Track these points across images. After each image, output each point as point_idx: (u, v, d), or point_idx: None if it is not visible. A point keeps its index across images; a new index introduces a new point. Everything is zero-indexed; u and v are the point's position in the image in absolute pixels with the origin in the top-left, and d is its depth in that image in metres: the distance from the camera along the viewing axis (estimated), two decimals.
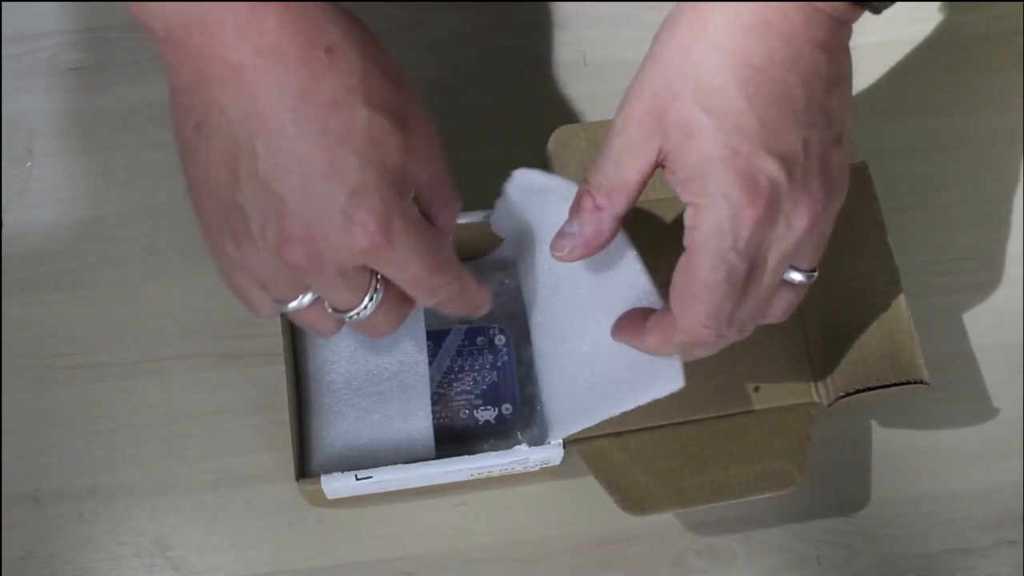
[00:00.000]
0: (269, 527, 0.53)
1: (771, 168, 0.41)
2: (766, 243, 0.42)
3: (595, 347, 0.49)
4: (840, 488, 0.56)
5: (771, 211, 0.41)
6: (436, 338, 0.53)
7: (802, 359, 0.53)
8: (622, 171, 0.43)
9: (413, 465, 0.49)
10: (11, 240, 0.58)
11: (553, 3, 0.66)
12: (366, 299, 0.42)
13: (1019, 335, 0.59)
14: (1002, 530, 0.55)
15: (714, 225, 0.41)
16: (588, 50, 0.65)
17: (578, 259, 0.46)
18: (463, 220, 0.53)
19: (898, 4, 0.69)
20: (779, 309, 0.45)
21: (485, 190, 0.60)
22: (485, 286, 0.46)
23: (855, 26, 0.45)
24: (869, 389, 0.51)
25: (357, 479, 0.49)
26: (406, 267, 0.42)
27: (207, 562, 0.53)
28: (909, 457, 0.57)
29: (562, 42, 0.65)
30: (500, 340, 0.53)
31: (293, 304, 0.43)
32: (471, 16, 0.66)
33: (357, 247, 0.40)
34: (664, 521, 0.54)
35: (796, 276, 0.44)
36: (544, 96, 0.64)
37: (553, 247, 0.46)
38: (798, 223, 0.42)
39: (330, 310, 0.43)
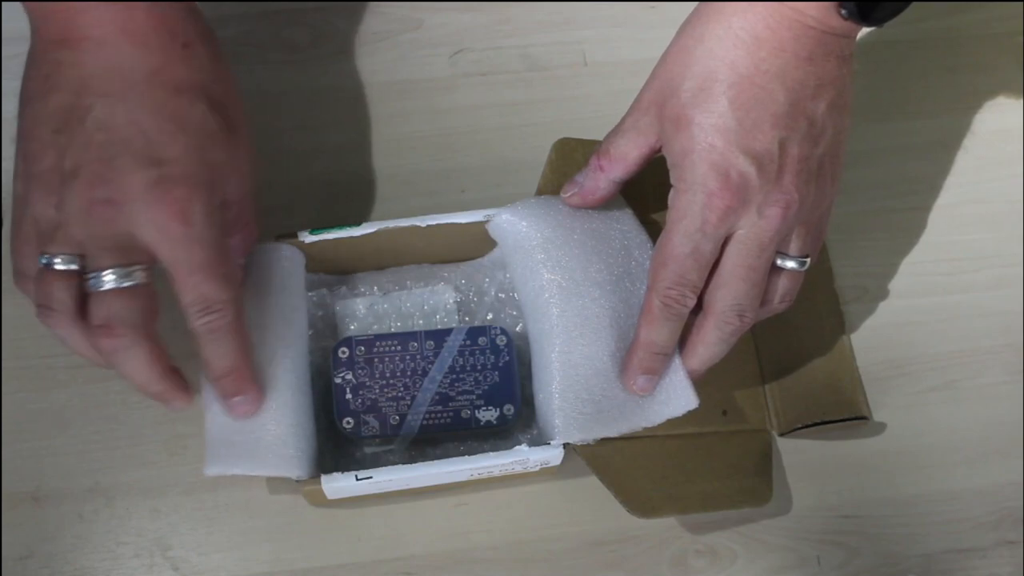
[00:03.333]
0: (269, 527, 0.53)
1: (742, 164, 0.46)
2: (736, 228, 0.47)
3: (614, 359, 0.50)
4: (840, 488, 0.56)
5: (739, 201, 0.46)
6: (438, 337, 0.53)
7: (758, 390, 0.57)
8: (625, 145, 0.50)
9: (413, 465, 0.49)
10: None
11: (553, 3, 0.66)
12: (122, 271, 0.44)
13: (1019, 335, 0.59)
14: (1002, 530, 0.55)
15: (687, 208, 0.47)
16: (588, 50, 0.65)
17: (576, 206, 0.53)
18: (465, 220, 0.53)
19: None
20: (776, 296, 0.50)
21: (485, 190, 0.61)
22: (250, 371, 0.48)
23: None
24: (816, 424, 0.55)
25: (357, 479, 0.49)
26: (193, 251, 0.44)
27: (207, 562, 0.53)
28: (909, 457, 0.57)
29: (562, 42, 0.65)
30: (502, 340, 0.53)
31: (58, 262, 0.44)
32: (471, 16, 0.66)
33: (159, 209, 0.43)
34: (664, 521, 0.54)
35: (789, 263, 0.49)
36: (544, 96, 0.64)
37: (563, 189, 0.53)
38: (769, 212, 0.46)
39: (89, 275, 0.44)
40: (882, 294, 0.60)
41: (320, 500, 0.51)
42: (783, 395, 0.56)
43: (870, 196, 0.62)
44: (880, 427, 0.57)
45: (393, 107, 0.63)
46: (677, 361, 0.50)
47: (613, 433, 0.50)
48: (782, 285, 0.50)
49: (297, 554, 0.53)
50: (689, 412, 0.51)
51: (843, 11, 0.44)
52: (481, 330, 0.54)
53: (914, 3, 0.46)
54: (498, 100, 0.64)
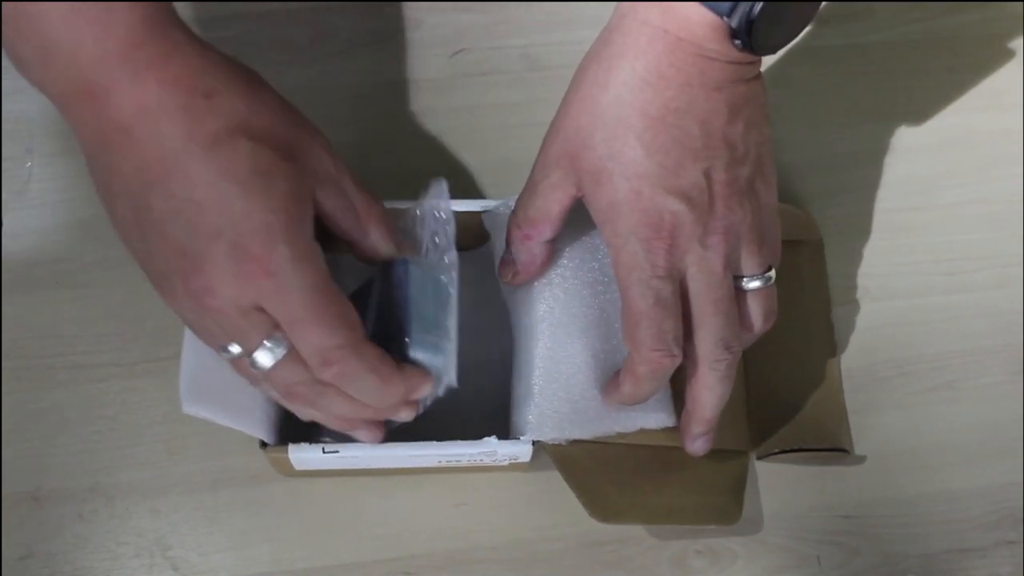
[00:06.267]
0: (269, 527, 0.53)
1: (671, 205, 0.45)
2: (685, 265, 0.46)
3: (597, 360, 0.50)
4: (840, 488, 0.56)
5: (678, 239, 0.45)
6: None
7: (741, 412, 0.56)
8: (546, 204, 0.48)
9: (380, 446, 0.49)
10: (11, 240, 0.58)
11: (553, 3, 0.66)
12: (266, 344, 0.42)
13: (1019, 335, 0.59)
14: (1002, 530, 0.55)
15: (631, 260, 0.46)
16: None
17: (522, 283, 0.51)
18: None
19: (898, 4, 0.70)
20: (756, 319, 0.49)
21: (485, 190, 0.61)
22: (425, 378, 0.46)
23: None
24: (794, 451, 0.54)
25: (324, 452, 0.49)
26: (288, 302, 0.41)
27: (207, 562, 0.53)
28: (909, 457, 0.57)
29: (562, 42, 0.65)
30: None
31: (225, 352, 0.43)
32: (471, 16, 0.66)
33: (242, 276, 0.41)
34: None
35: (752, 283, 0.48)
36: (544, 96, 0.64)
37: (500, 274, 0.51)
38: (711, 241, 0.46)
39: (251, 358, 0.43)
40: (882, 294, 0.60)
41: (287, 470, 0.51)
42: (767, 420, 0.55)
43: (870, 196, 0.63)
44: (880, 426, 0.57)
45: (393, 107, 0.63)
46: None
47: (586, 435, 0.50)
48: (757, 307, 0.49)
49: (297, 554, 0.53)
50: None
51: (736, 42, 0.44)
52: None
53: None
54: (498, 100, 0.64)
